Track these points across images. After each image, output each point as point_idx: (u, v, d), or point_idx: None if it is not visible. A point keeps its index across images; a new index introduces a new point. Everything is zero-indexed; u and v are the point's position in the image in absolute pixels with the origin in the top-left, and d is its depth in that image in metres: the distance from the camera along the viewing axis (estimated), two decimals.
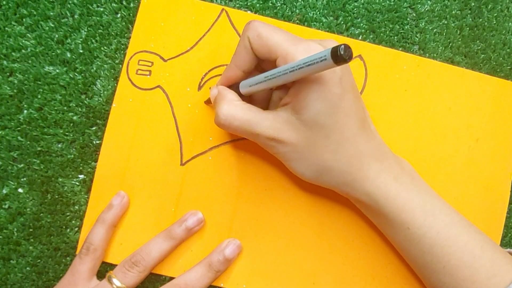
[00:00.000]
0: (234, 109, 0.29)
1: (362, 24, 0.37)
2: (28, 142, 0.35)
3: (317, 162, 0.29)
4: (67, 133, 0.36)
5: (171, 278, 0.34)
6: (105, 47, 0.36)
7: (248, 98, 0.32)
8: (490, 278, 0.29)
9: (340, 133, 0.28)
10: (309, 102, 0.27)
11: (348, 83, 0.28)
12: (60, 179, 0.35)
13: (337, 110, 0.28)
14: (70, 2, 0.36)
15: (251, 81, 0.29)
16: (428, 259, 0.30)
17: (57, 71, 0.36)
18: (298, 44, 0.28)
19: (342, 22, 0.37)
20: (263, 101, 0.33)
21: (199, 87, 0.36)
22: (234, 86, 0.31)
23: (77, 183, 0.35)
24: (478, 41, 0.38)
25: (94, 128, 0.36)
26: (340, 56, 0.22)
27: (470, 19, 0.38)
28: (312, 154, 0.29)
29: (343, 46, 0.22)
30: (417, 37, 0.38)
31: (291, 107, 0.28)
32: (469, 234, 0.30)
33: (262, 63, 0.31)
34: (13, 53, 0.36)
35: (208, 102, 0.36)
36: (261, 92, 0.32)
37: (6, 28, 0.36)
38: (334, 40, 0.29)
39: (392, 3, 0.38)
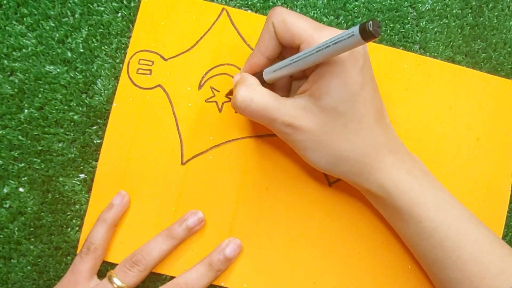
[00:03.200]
0: (252, 92, 0.29)
1: None
2: (29, 142, 0.35)
3: (333, 151, 0.29)
4: (67, 133, 0.36)
5: (172, 278, 0.34)
6: (106, 47, 0.36)
7: (269, 87, 0.31)
8: (499, 275, 0.29)
9: (358, 122, 0.28)
10: (329, 89, 0.27)
11: (368, 73, 0.28)
12: (61, 179, 0.35)
13: (357, 99, 0.28)
14: (71, 1, 0.36)
15: (275, 66, 0.29)
16: (439, 254, 0.30)
17: (58, 70, 0.36)
18: (322, 30, 0.28)
19: (342, 21, 0.37)
20: (283, 91, 0.33)
21: (200, 86, 0.36)
22: (257, 75, 0.31)
23: (78, 183, 0.35)
24: (478, 40, 0.38)
25: (94, 127, 0.36)
26: (369, 32, 0.22)
27: (471, 18, 0.38)
28: (328, 142, 0.29)
29: (371, 22, 0.21)
30: (417, 36, 0.37)
31: (309, 94, 0.28)
32: (479, 230, 0.30)
33: (284, 52, 0.31)
34: (13, 53, 0.36)
35: (229, 94, 0.35)
36: (282, 81, 0.32)
37: (7, 28, 0.36)
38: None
39: (392, 2, 0.38)
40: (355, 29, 0.22)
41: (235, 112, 0.29)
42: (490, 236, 0.30)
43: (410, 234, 0.31)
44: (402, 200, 0.30)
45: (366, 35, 0.22)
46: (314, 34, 0.28)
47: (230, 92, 0.35)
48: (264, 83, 0.31)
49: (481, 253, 0.29)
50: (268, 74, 0.30)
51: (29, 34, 0.36)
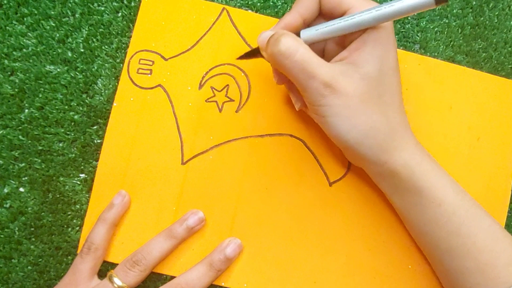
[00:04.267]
0: (299, 42, 0.27)
1: None
2: (29, 141, 0.35)
3: (366, 121, 0.28)
4: (68, 132, 0.36)
5: (172, 277, 0.34)
6: (106, 46, 0.36)
7: None
8: (509, 265, 0.28)
9: (391, 96, 0.29)
10: (373, 56, 0.28)
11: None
12: (61, 178, 0.35)
13: (393, 73, 0.29)
14: (71, 1, 0.36)
15: (318, 26, 0.29)
16: (453, 242, 0.29)
17: (58, 70, 0.36)
18: (372, 1, 0.29)
19: None
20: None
21: (200, 86, 0.36)
22: None
23: (78, 182, 0.35)
24: (479, 40, 0.38)
25: (95, 127, 0.36)
26: None
27: (471, 17, 0.38)
28: (364, 110, 0.28)
29: None
30: (418, 36, 0.37)
31: (349, 61, 0.29)
32: (490, 217, 0.30)
33: (318, 20, 0.31)
34: (14, 52, 0.36)
35: (243, 57, 0.33)
36: (316, 47, 0.31)
37: (7, 27, 0.36)
38: None
39: None
40: None
41: (272, 63, 0.28)
42: (499, 224, 0.30)
43: (426, 220, 0.30)
44: (425, 181, 0.29)
45: None
46: (365, 1, 0.28)
47: (244, 56, 0.33)
48: None
49: (495, 240, 0.29)
50: (308, 34, 0.29)
51: (29, 34, 0.36)
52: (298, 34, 0.29)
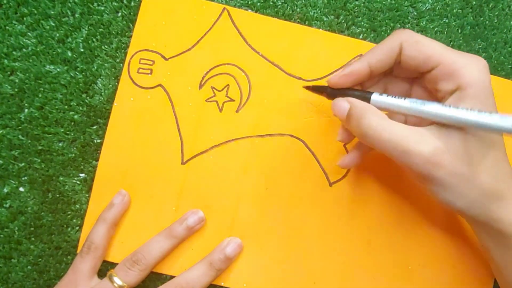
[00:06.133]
0: (384, 120, 0.27)
1: (363, 23, 0.37)
2: (29, 141, 0.35)
3: (476, 184, 0.26)
4: (68, 132, 0.36)
5: (172, 277, 0.34)
6: (106, 46, 0.36)
7: None
8: None
9: (497, 150, 0.27)
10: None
11: None
12: (61, 178, 0.35)
13: None
14: (71, 1, 0.36)
15: (393, 100, 0.28)
16: None
17: (58, 70, 0.36)
18: (463, 56, 0.27)
19: (343, 21, 0.37)
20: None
21: (200, 86, 0.36)
22: (349, 89, 0.30)
23: (78, 182, 0.35)
24: (479, 40, 0.38)
25: (95, 127, 0.36)
26: None
27: (471, 17, 0.38)
28: (470, 175, 0.26)
29: None
30: None
31: None
32: None
33: (394, 71, 0.30)
34: (14, 52, 0.36)
35: (314, 90, 0.32)
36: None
37: (7, 27, 0.36)
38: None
39: (393, 1, 0.38)
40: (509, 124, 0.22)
41: (363, 141, 0.28)
42: None
43: (507, 261, 0.29)
44: None
45: None
46: (456, 58, 0.27)
47: (314, 89, 0.32)
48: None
49: None
50: (380, 103, 0.28)
51: (29, 33, 0.36)
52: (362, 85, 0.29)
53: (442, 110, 0.26)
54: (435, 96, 0.29)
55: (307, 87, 0.33)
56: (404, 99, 0.28)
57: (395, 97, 0.28)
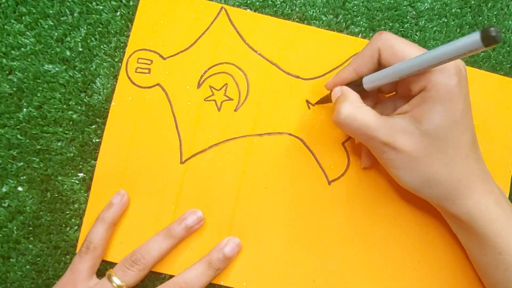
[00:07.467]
0: (356, 110, 0.30)
1: (362, 22, 0.37)
2: (28, 141, 0.35)
3: (427, 173, 0.30)
4: (66, 132, 0.36)
5: (171, 276, 0.34)
6: (105, 45, 0.36)
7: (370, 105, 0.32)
8: None
9: (455, 148, 0.29)
10: (433, 114, 0.28)
11: (468, 100, 0.29)
12: (60, 178, 0.35)
13: (457, 126, 0.29)
14: (70, 0, 0.36)
15: (378, 74, 0.30)
16: None
17: (57, 69, 0.36)
18: None
19: (342, 20, 0.37)
20: (385, 109, 0.34)
21: (199, 85, 0.36)
22: (352, 84, 0.32)
23: (77, 182, 0.35)
24: None
25: (93, 126, 0.36)
26: (491, 37, 0.22)
27: (470, 17, 0.38)
28: (423, 165, 0.29)
29: (493, 28, 0.22)
30: (417, 35, 0.37)
31: (411, 116, 0.29)
32: None
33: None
34: (12, 51, 0.36)
35: (320, 102, 0.36)
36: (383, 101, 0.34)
37: (6, 26, 0.36)
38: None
39: (392, 1, 0.38)
40: (476, 34, 0.23)
41: (338, 126, 0.31)
42: None
43: (485, 263, 0.31)
44: (487, 230, 0.30)
45: (488, 40, 0.22)
46: (417, 51, 0.28)
47: (322, 101, 0.35)
48: (362, 95, 0.31)
49: None
50: (369, 83, 0.31)
51: (27, 33, 0.36)
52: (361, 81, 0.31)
53: (407, 63, 0.28)
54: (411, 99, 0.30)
55: (318, 102, 0.36)
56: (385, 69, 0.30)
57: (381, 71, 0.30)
